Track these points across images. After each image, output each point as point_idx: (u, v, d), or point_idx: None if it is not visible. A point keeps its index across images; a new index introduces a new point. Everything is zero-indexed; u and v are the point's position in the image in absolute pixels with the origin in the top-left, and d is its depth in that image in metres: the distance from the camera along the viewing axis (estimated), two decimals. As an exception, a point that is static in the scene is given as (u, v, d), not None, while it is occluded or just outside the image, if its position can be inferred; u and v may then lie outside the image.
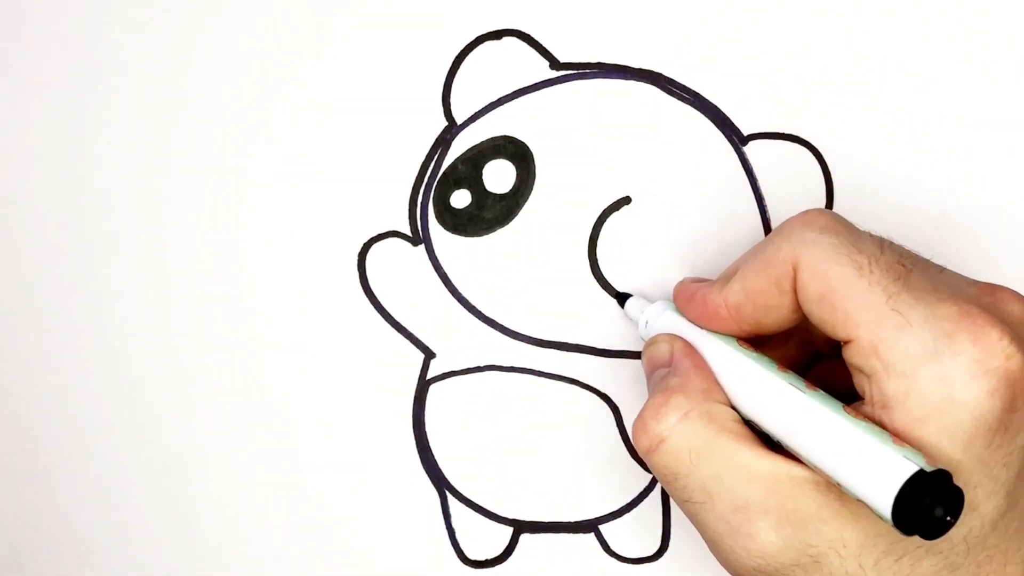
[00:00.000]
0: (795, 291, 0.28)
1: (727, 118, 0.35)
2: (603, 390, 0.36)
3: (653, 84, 0.36)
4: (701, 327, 0.31)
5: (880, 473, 0.25)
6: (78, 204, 0.38)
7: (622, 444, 0.36)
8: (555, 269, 0.36)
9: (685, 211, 0.35)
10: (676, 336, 0.31)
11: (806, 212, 0.29)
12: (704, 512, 0.28)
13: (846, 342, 0.27)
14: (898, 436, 0.26)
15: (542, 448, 0.36)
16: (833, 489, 0.27)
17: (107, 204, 0.37)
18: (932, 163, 0.35)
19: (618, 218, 0.36)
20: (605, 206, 0.36)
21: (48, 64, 0.38)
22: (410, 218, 0.37)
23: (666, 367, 0.31)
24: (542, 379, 0.36)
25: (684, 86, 0.36)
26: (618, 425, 0.36)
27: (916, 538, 0.26)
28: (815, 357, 0.32)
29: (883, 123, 0.35)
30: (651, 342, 0.32)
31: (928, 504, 0.24)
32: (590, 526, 0.36)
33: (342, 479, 0.37)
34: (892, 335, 0.26)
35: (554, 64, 0.36)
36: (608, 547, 0.36)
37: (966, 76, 0.35)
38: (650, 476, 0.36)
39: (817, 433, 0.26)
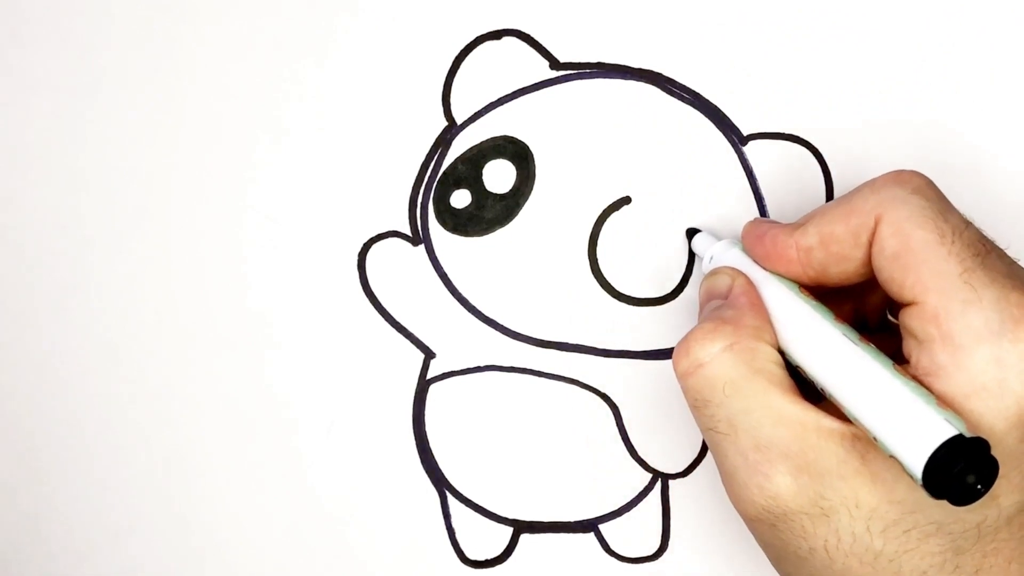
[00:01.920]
0: (870, 245, 0.27)
1: (727, 118, 0.35)
2: (603, 390, 0.36)
3: (653, 84, 0.36)
4: (766, 268, 0.30)
5: (919, 431, 0.24)
6: (79, 204, 0.38)
7: (622, 444, 0.36)
8: (555, 269, 0.36)
9: (685, 211, 0.35)
10: (739, 272, 0.31)
11: (901, 171, 0.28)
12: (726, 443, 0.28)
13: (909, 304, 0.27)
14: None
15: (542, 448, 0.36)
16: (858, 447, 0.27)
17: (108, 205, 0.37)
18: (932, 163, 0.35)
19: (618, 218, 0.36)
20: (605, 206, 0.36)
21: (50, 68, 0.38)
22: (410, 218, 0.37)
23: (722, 300, 0.30)
24: (542, 379, 0.36)
25: (684, 86, 0.36)
26: (618, 425, 0.36)
27: (928, 514, 0.26)
28: (861, 328, 0.32)
29: (883, 123, 0.35)
30: (713, 273, 0.32)
31: (961, 469, 0.23)
32: (590, 526, 0.36)
33: (342, 479, 0.37)
34: (959, 307, 0.26)
35: (554, 64, 0.36)
36: (608, 547, 0.36)
37: (966, 76, 0.35)
38: (649, 476, 0.36)
39: (864, 385, 0.26)
